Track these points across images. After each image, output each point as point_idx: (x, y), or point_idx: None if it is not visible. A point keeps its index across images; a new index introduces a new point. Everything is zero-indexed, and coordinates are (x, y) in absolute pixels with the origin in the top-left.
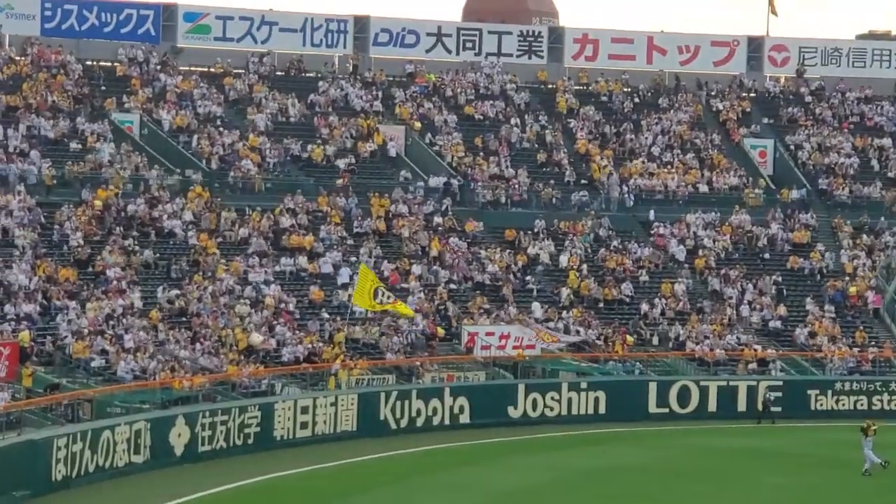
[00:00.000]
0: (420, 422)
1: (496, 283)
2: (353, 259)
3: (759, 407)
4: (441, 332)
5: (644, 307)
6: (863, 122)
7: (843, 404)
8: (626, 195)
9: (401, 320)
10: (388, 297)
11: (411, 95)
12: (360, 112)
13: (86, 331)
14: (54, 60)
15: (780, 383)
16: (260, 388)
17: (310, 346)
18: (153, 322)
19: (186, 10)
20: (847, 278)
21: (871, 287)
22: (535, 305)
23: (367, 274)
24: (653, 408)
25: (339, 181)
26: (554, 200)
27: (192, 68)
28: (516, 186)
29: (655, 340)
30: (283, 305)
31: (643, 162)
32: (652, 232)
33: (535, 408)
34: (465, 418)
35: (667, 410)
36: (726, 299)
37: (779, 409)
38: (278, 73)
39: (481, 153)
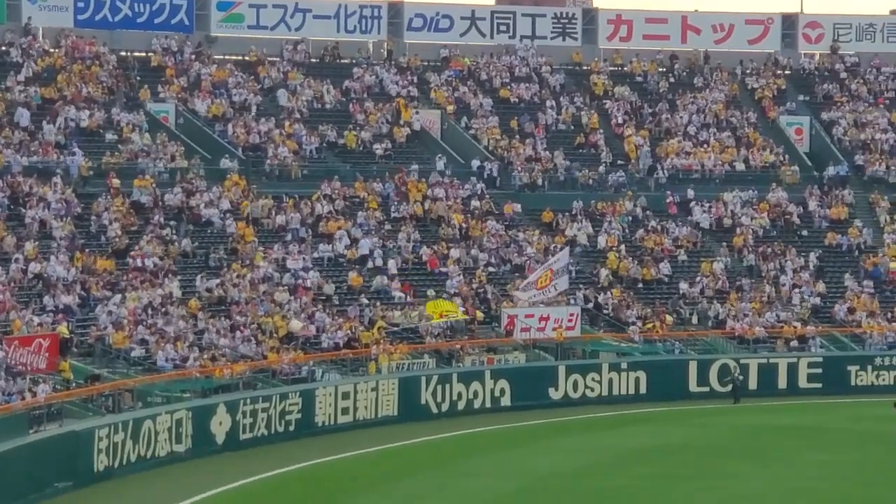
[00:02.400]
0: (461, 405)
1: (535, 264)
2: (391, 244)
3: (731, 387)
4: (480, 315)
5: (683, 286)
6: None
7: (884, 379)
8: (665, 175)
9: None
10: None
11: (446, 80)
12: (396, 97)
13: (125, 321)
14: (88, 52)
15: (820, 359)
16: (300, 374)
17: (349, 331)
18: (192, 311)
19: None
20: (885, 254)
21: None
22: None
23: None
24: (693, 387)
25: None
26: (591, 182)
27: (227, 57)
28: (553, 169)
29: (695, 319)
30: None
31: (679, 141)
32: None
33: (575, 389)
34: (505, 401)
35: (707, 389)
36: (765, 277)
37: (819, 385)
38: (313, 60)
39: (517, 136)
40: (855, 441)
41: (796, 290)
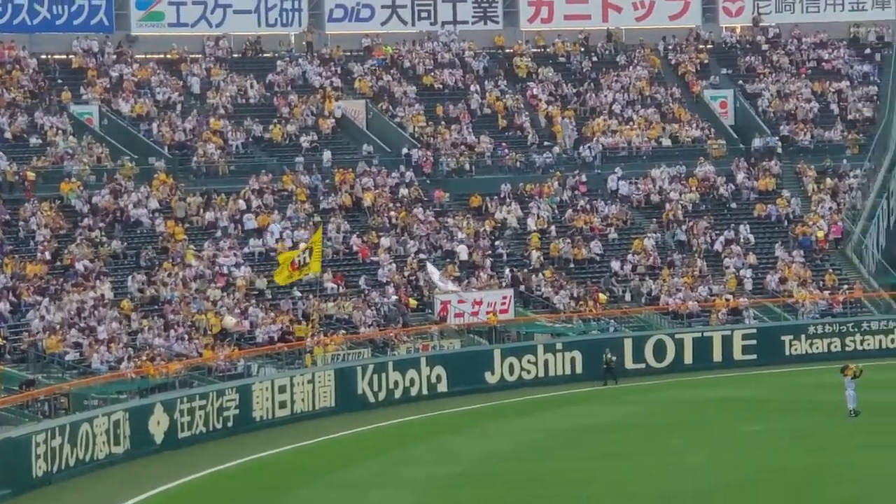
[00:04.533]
0: (398, 393)
1: (467, 250)
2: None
3: (603, 367)
4: (413, 303)
5: (615, 264)
6: (820, 67)
7: (818, 348)
8: (591, 154)
9: (373, 293)
10: (303, 258)
11: (369, 69)
12: (319, 89)
13: (58, 325)
14: (7, 56)
15: (755, 331)
16: (236, 370)
17: (283, 325)
18: (125, 312)
19: None
20: (813, 222)
21: (832, 223)
22: (506, 271)
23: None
24: (630, 364)
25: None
26: (518, 164)
27: (148, 56)
28: (480, 153)
29: (628, 297)
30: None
31: (605, 120)
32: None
33: (511, 372)
34: (442, 387)
35: (644, 366)
36: (695, 251)
37: (754, 356)
38: (235, 55)
39: (443, 122)
40: (792, 411)
41: (727, 262)
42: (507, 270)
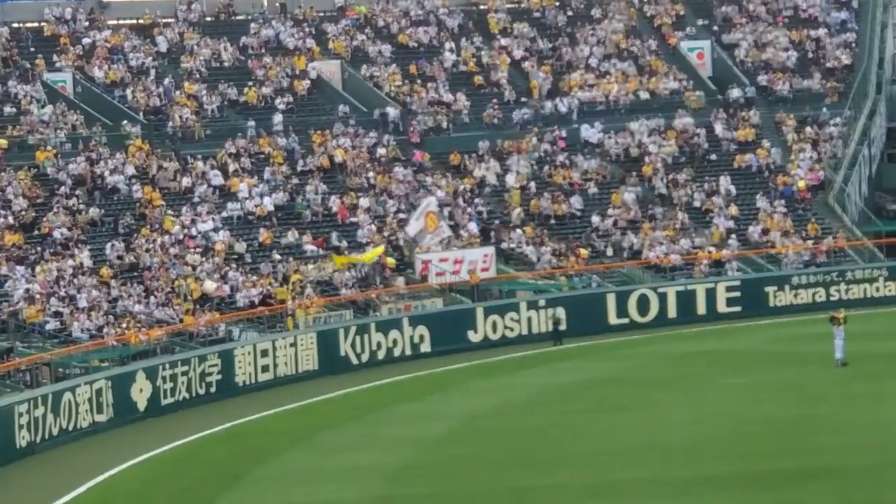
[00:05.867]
0: (381, 355)
1: (445, 208)
2: (300, 199)
3: (552, 327)
4: (392, 262)
5: (595, 219)
6: (797, 15)
7: (802, 298)
8: (569, 109)
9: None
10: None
11: (343, 29)
12: (294, 50)
13: (37, 295)
14: None
15: (738, 283)
16: (218, 335)
17: (264, 288)
18: (104, 279)
19: None
20: (794, 172)
21: (811, 170)
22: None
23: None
24: (613, 319)
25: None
26: (496, 121)
27: (121, 22)
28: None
29: (610, 252)
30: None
31: (582, 74)
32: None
33: (495, 330)
34: (425, 347)
35: (627, 321)
36: (676, 204)
37: (738, 308)
38: (208, 18)
39: (418, 80)
40: (777, 362)
41: (709, 214)
42: (472, 224)
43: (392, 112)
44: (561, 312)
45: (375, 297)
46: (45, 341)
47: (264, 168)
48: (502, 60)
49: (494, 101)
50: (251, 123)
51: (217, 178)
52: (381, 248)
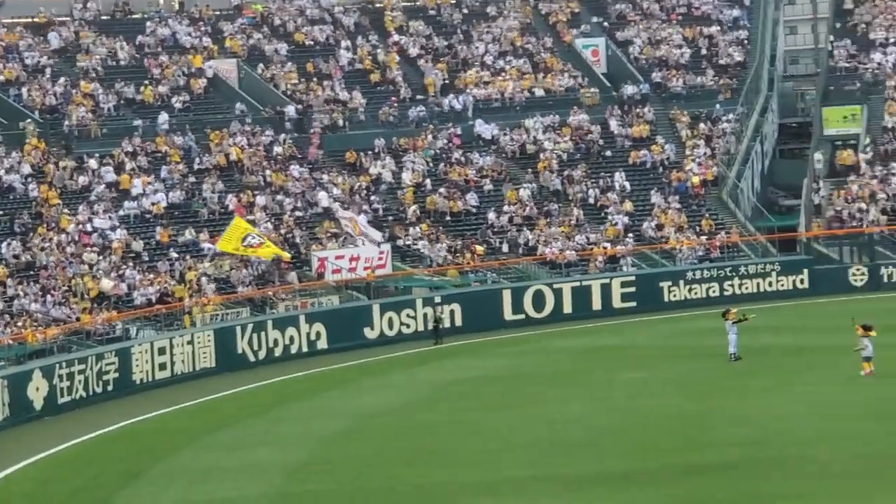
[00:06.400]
0: (278, 352)
1: (342, 206)
2: (194, 196)
3: (433, 325)
4: (287, 256)
5: (491, 216)
6: (690, 13)
7: (696, 293)
8: (464, 106)
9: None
10: (256, 240)
11: (240, 28)
12: (190, 49)
13: None
14: None
15: (633, 278)
16: (115, 334)
17: (161, 286)
18: (1, 279)
19: None
20: (688, 168)
21: (706, 168)
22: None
23: (240, 223)
24: (509, 315)
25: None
26: (392, 118)
27: (15, 20)
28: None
29: (505, 248)
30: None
31: (477, 72)
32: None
33: (391, 327)
34: (322, 344)
35: (523, 316)
36: (571, 200)
37: (633, 303)
38: (104, 17)
39: (315, 79)
40: (673, 357)
41: (604, 210)
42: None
43: (290, 110)
44: (443, 311)
45: (272, 295)
46: None
47: (161, 166)
48: (391, 59)
49: (393, 98)
50: (137, 122)
51: (113, 177)
52: (277, 249)
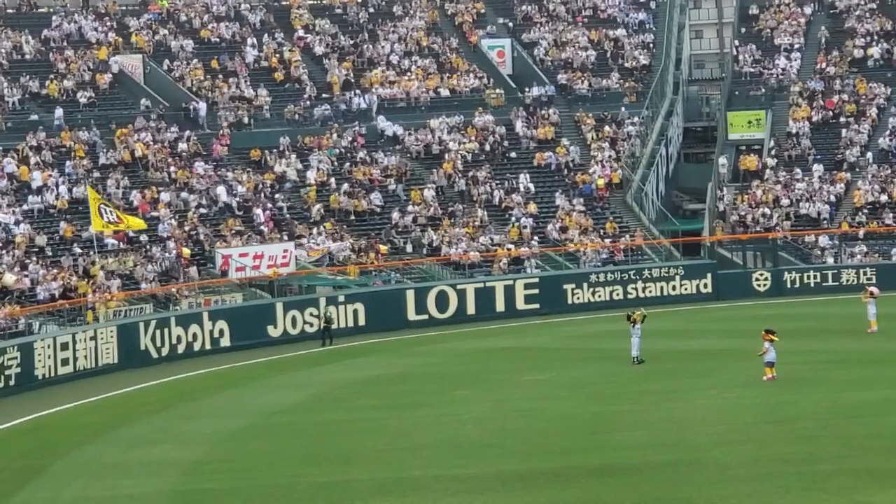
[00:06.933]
0: (181, 349)
1: (246, 203)
2: (100, 189)
3: (322, 326)
4: (187, 252)
5: (395, 216)
6: (596, 15)
7: (599, 296)
8: (369, 105)
9: (154, 249)
10: (113, 214)
11: (146, 23)
12: (96, 44)
13: None
14: None
15: (537, 280)
16: (17, 328)
17: (64, 281)
18: None
19: None
20: (593, 170)
21: (610, 170)
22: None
23: (92, 195)
24: (412, 315)
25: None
26: (297, 117)
27: None
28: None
29: (409, 248)
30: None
31: (383, 71)
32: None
33: (294, 325)
34: (225, 341)
35: (426, 317)
36: (476, 201)
37: (536, 305)
38: (10, 10)
39: (220, 75)
40: (576, 359)
41: (509, 212)
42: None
43: (197, 106)
44: (329, 311)
45: (176, 292)
46: None
47: (65, 161)
48: (291, 57)
49: (305, 97)
50: (34, 117)
51: (17, 171)
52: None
